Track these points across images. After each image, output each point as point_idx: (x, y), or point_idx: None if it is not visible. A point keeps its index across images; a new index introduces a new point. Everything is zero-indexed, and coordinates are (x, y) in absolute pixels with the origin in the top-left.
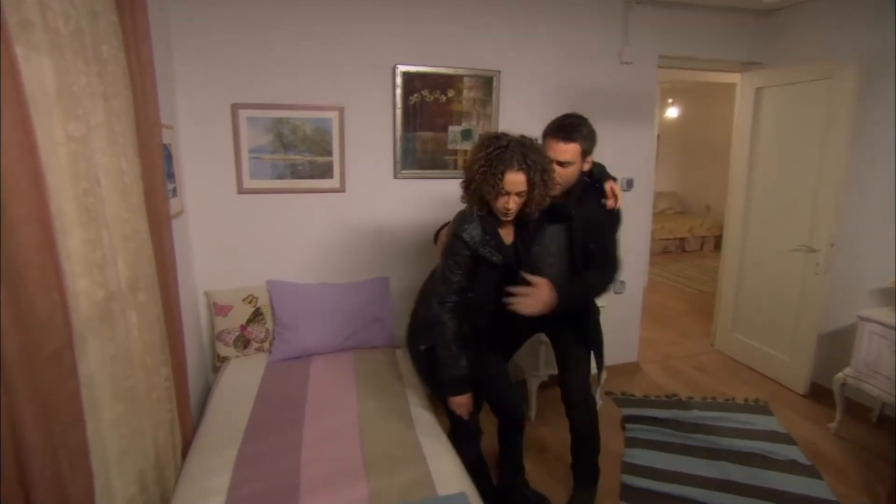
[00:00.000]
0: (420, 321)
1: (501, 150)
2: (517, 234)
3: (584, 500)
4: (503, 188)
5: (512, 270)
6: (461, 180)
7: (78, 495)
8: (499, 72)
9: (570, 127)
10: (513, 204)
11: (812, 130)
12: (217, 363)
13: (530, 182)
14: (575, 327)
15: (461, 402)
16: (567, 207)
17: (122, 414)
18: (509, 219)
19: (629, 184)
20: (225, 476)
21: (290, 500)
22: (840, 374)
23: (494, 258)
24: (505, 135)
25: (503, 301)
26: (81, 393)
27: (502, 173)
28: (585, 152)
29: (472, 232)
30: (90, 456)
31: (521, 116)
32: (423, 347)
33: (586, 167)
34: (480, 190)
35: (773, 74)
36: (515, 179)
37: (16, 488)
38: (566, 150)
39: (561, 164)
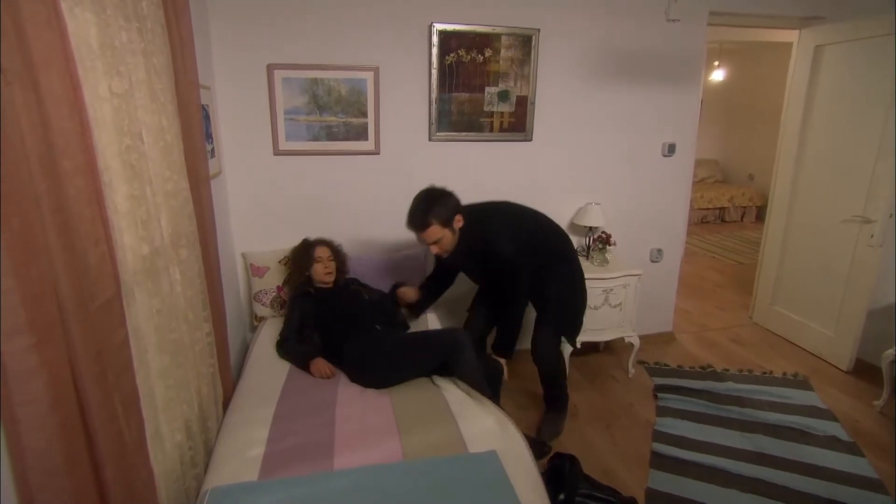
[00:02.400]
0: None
1: (307, 240)
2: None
3: (551, 418)
4: (316, 256)
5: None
6: (287, 269)
7: (132, 437)
8: (538, 30)
9: (418, 215)
10: (328, 266)
11: (877, 91)
12: (255, 322)
13: (334, 250)
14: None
15: (318, 368)
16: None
17: (168, 365)
18: (328, 281)
19: (670, 149)
20: (264, 429)
21: (325, 453)
22: (890, 351)
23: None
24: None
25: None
26: (130, 342)
27: (314, 248)
28: (447, 221)
29: (302, 295)
30: (141, 403)
31: (560, 77)
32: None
33: (459, 225)
34: (304, 267)
35: (836, 30)
36: (322, 250)
37: (78, 430)
38: (430, 234)
39: (434, 243)
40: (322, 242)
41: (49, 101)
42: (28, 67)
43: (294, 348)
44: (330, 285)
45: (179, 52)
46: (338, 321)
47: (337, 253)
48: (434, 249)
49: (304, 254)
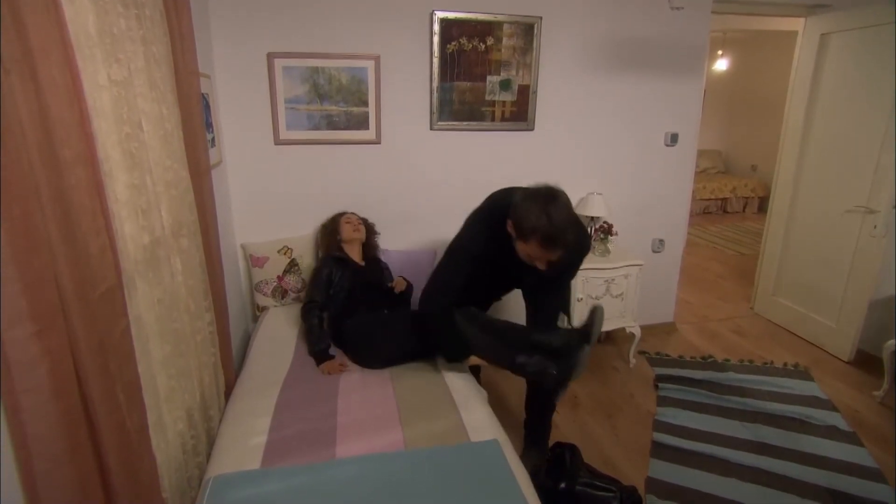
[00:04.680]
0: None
1: (336, 215)
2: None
3: (533, 458)
4: (344, 219)
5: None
6: (320, 238)
7: (134, 426)
8: (540, 18)
9: (563, 243)
10: (357, 227)
11: (883, 80)
12: (256, 312)
13: (362, 218)
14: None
15: (330, 368)
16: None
17: (170, 355)
18: (357, 237)
19: (673, 139)
20: (266, 418)
21: (328, 442)
22: (891, 342)
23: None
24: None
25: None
26: (132, 332)
27: (342, 214)
28: None
29: (335, 257)
30: (143, 391)
31: (563, 66)
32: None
33: None
34: (336, 232)
35: (843, 17)
36: (349, 216)
37: (80, 418)
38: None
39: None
40: (349, 212)
41: (48, 90)
42: (26, 56)
43: (318, 328)
44: (361, 262)
45: (179, 39)
46: (353, 294)
47: (365, 221)
48: (542, 266)
49: (332, 219)
